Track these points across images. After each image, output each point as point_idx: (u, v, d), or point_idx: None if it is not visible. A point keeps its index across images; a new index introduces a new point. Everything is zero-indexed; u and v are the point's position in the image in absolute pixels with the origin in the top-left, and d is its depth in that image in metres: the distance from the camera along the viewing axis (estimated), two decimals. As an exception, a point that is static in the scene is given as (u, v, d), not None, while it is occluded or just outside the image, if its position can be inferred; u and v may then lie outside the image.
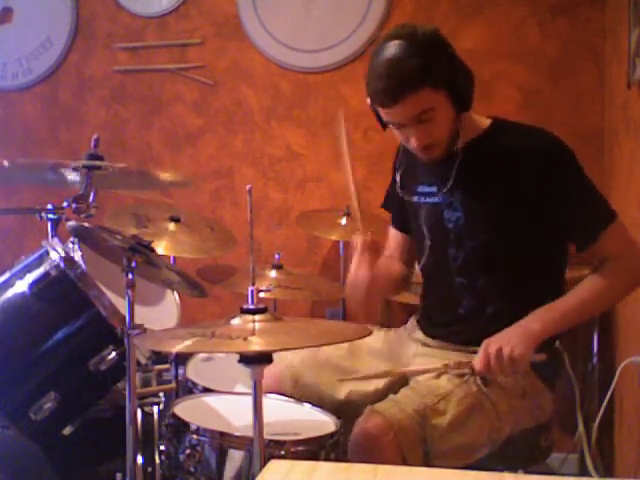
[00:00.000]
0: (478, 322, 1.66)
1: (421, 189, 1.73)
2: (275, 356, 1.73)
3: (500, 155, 1.61)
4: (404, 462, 1.43)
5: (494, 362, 1.50)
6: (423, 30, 1.53)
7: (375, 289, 1.72)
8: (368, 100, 1.58)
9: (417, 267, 1.93)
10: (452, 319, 1.71)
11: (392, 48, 1.50)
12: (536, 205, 1.58)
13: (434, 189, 1.69)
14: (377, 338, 1.82)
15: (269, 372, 1.70)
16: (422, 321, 1.81)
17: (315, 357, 1.77)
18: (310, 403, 1.73)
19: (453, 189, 1.64)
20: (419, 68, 1.48)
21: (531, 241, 1.62)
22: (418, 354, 1.74)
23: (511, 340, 1.51)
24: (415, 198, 1.75)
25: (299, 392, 1.76)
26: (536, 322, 1.54)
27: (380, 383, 1.71)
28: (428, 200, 1.71)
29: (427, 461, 1.46)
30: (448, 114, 1.56)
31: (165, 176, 1.87)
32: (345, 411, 1.68)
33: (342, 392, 1.72)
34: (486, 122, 1.67)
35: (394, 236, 1.90)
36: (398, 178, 1.79)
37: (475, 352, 1.65)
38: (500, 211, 1.60)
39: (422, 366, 1.64)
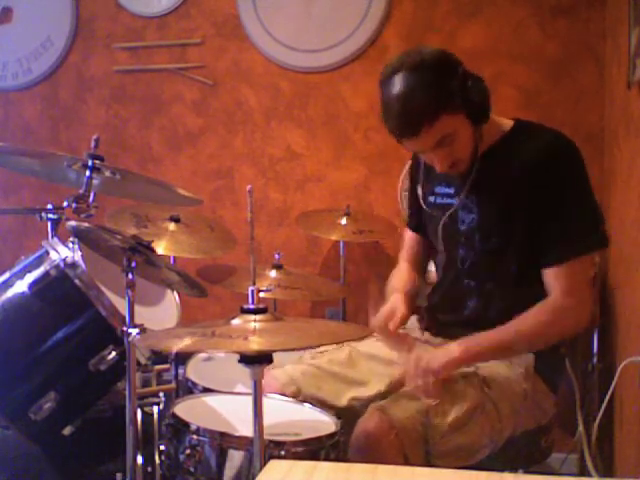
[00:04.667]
0: (481, 324, 1.65)
1: (439, 189, 1.73)
2: (276, 371, 1.74)
3: (516, 159, 1.60)
4: (405, 462, 1.43)
5: (414, 371, 1.54)
6: (429, 56, 1.51)
7: None
8: (388, 131, 1.57)
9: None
10: (457, 320, 1.71)
11: (402, 81, 1.49)
12: (541, 210, 1.57)
13: (452, 190, 1.70)
14: (377, 343, 1.82)
15: (271, 386, 1.71)
16: (428, 320, 1.80)
17: (315, 368, 1.76)
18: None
19: (470, 191, 1.64)
20: (433, 99, 1.48)
21: (539, 246, 1.60)
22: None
23: (433, 358, 1.55)
24: (432, 198, 1.75)
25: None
26: (459, 350, 1.55)
27: (382, 387, 1.71)
28: (445, 201, 1.71)
29: (428, 461, 1.46)
30: (468, 132, 1.56)
31: (182, 192, 1.88)
32: (347, 417, 1.68)
33: (344, 400, 1.72)
34: (508, 124, 1.66)
35: (409, 238, 1.91)
36: (420, 191, 1.78)
37: None
38: (512, 215, 1.60)
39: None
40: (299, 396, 1.73)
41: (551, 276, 1.56)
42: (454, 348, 1.55)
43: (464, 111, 1.53)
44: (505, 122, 1.66)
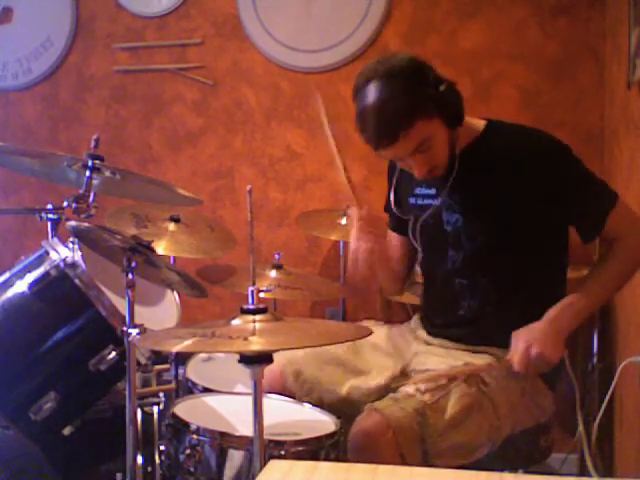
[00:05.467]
0: (478, 322, 1.66)
1: (419, 191, 1.73)
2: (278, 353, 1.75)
3: (497, 156, 1.61)
4: (402, 461, 1.43)
5: (533, 364, 1.52)
6: (400, 63, 1.52)
7: (376, 264, 1.71)
8: (364, 141, 1.57)
9: (417, 268, 1.93)
10: (452, 320, 1.71)
11: (376, 90, 1.50)
12: (535, 205, 1.58)
13: (433, 191, 1.70)
14: (380, 334, 1.82)
15: (271, 368, 1.71)
16: (423, 321, 1.81)
17: (317, 352, 1.77)
18: (310, 402, 1.73)
19: (452, 191, 1.65)
20: (407, 106, 1.49)
21: (530, 241, 1.62)
22: (420, 352, 1.74)
23: (548, 342, 1.51)
24: (412, 200, 1.75)
25: (300, 387, 1.75)
26: (565, 318, 1.55)
27: (382, 380, 1.71)
28: (426, 202, 1.71)
29: (426, 460, 1.46)
30: (444, 136, 1.57)
31: (182, 192, 1.89)
32: (346, 407, 1.68)
33: (343, 388, 1.72)
34: (480, 124, 1.67)
35: (393, 239, 1.90)
36: (392, 197, 1.79)
37: (475, 351, 1.65)
38: (498, 212, 1.61)
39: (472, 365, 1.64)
40: (300, 376, 1.73)
41: (605, 235, 1.62)
42: (562, 326, 1.54)
43: (439, 116, 1.54)
44: (476, 122, 1.68)
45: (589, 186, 1.61)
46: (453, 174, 1.63)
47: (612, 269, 1.62)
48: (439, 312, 1.76)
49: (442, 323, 1.74)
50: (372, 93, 1.50)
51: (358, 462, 1.39)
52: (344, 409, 1.69)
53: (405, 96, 1.48)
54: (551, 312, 1.56)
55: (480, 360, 1.62)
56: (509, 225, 1.61)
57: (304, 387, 1.74)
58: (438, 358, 1.67)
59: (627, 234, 1.61)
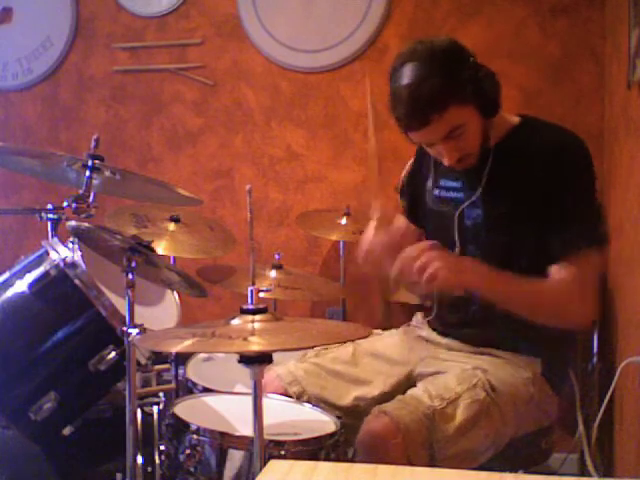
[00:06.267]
0: (490, 322, 1.64)
1: (444, 183, 1.71)
2: (280, 369, 1.74)
3: (523, 155, 1.59)
4: (409, 464, 1.43)
5: (416, 268, 1.44)
6: (440, 45, 1.50)
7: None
8: (395, 122, 1.54)
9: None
10: (465, 319, 1.69)
11: (412, 70, 1.47)
12: (548, 205, 1.56)
13: (459, 184, 1.67)
14: (381, 341, 1.81)
15: (275, 385, 1.70)
16: (434, 320, 1.79)
17: (319, 367, 1.75)
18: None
19: (478, 186, 1.62)
20: (443, 88, 1.45)
21: (545, 242, 1.59)
22: (426, 356, 1.73)
23: (448, 266, 1.44)
24: (437, 191, 1.72)
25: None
26: (478, 278, 1.50)
27: (386, 388, 1.71)
28: (450, 195, 1.68)
29: (432, 464, 1.46)
30: (478, 124, 1.54)
31: (182, 192, 1.89)
32: (353, 418, 1.67)
33: (348, 399, 1.71)
34: (514, 120, 1.65)
35: (403, 226, 1.88)
36: (430, 184, 1.75)
37: (481, 353, 1.64)
38: (518, 210, 1.58)
39: None
40: (303, 396, 1.72)
41: (556, 270, 1.54)
42: (470, 278, 1.48)
43: (474, 103, 1.51)
44: (511, 117, 1.65)
45: (586, 207, 1.55)
46: (486, 169, 1.60)
47: (549, 295, 1.53)
48: (452, 310, 1.74)
49: (453, 322, 1.72)
50: (408, 73, 1.47)
51: (364, 463, 1.38)
52: (351, 420, 1.67)
53: (440, 79, 1.45)
54: (475, 264, 1.51)
55: (482, 362, 1.62)
56: (528, 224, 1.58)
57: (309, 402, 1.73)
58: (445, 362, 1.66)
59: (576, 293, 1.51)
